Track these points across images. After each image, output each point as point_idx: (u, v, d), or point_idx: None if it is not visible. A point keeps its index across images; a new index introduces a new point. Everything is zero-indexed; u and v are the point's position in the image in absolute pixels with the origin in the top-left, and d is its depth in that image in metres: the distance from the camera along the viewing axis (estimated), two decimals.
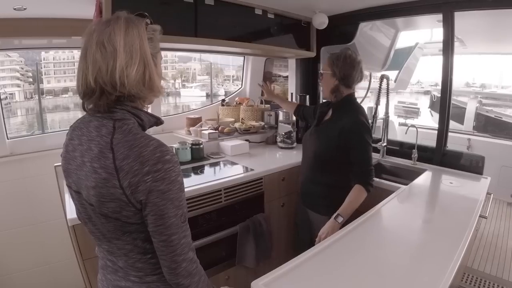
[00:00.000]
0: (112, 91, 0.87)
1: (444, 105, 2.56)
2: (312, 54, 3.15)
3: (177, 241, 0.91)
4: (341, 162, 1.99)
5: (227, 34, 2.47)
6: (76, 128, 0.98)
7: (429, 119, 7.60)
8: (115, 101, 0.90)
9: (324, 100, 2.49)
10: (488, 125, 6.30)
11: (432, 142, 2.66)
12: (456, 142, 4.08)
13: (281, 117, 3.19)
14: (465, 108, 6.76)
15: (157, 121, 1.03)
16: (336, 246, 1.37)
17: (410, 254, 1.35)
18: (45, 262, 2.75)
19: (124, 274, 1.00)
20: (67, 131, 1.03)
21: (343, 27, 3.14)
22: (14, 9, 2.09)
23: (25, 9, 2.11)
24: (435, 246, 1.39)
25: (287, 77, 3.71)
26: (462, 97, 7.24)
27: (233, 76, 6.52)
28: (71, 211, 1.66)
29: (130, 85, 0.88)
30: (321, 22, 2.84)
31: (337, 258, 1.31)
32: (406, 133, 2.67)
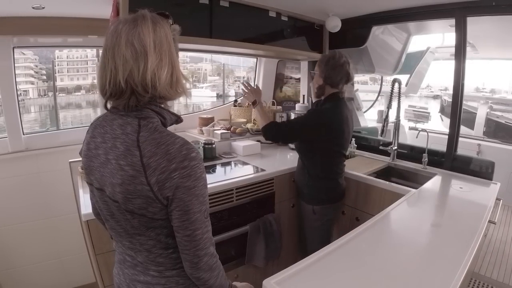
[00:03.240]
0: (143, 93, 0.88)
1: (456, 110, 2.55)
2: None
3: (200, 236, 0.93)
4: (308, 151, 2.23)
5: (241, 35, 2.50)
6: (98, 126, 0.98)
7: (439, 124, 7.56)
8: (146, 102, 0.91)
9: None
10: (498, 130, 6.24)
11: (442, 147, 2.65)
12: (466, 147, 4.06)
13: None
14: (476, 113, 6.71)
15: (178, 119, 1.04)
16: (347, 247, 1.39)
17: (419, 258, 1.35)
18: (57, 255, 2.80)
19: (144, 268, 1.02)
20: (88, 128, 1.04)
21: (355, 30, 3.16)
22: (33, 7, 2.15)
23: (43, 8, 2.17)
24: (443, 250, 1.39)
25: (299, 79, 3.74)
26: (471, 102, 7.19)
27: (243, 77, 6.53)
28: (85, 206, 1.69)
29: (161, 87, 0.90)
30: (334, 25, 2.87)
31: (348, 259, 1.31)
32: (417, 137, 2.67)
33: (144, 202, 0.89)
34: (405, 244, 1.46)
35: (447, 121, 5.45)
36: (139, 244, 0.99)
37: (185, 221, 0.91)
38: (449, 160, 2.60)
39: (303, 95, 3.53)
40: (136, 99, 0.90)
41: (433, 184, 2.32)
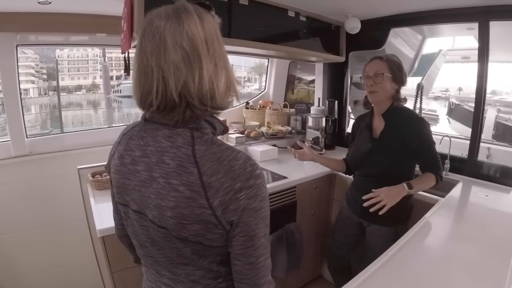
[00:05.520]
0: (200, 106, 0.75)
1: (478, 115, 2.51)
2: (341, 58, 3.08)
3: (263, 262, 0.80)
4: (410, 164, 2.00)
5: (259, 35, 2.39)
6: (135, 137, 0.83)
7: (446, 126, 7.51)
8: (202, 115, 0.78)
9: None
10: (507, 134, 6.18)
11: (456, 151, 2.63)
12: None
13: (310, 123, 3.10)
14: (485, 116, 6.64)
15: (225, 129, 0.89)
16: (391, 265, 1.32)
17: (462, 272, 1.30)
18: (61, 264, 2.69)
19: None
20: (118, 139, 0.89)
21: (373, 32, 3.07)
22: (39, 3, 2.04)
23: (50, 3, 2.06)
24: (484, 263, 1.35)
25: (311, 80, 3.65)
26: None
27: (244, 78, 6.43)
28: (100, 221, 1.55)
29: (220, 98, 0.77)
30: (353, 26, 2.79)
31: (393, 277, 1.25)
32: (440, 143, 2.56)
33: (203, 228, 0.75)
34: (445, 258, 1.41)
35: (454, 123, 5.33)
36: (184, 275, 0.85)
37: (250, 247, 0.78)
38: (471, 166, 2.54)
39: (318, 98, 3.43)
40: (191, 112, 0.76)
41: (458, 192, 2.28)
